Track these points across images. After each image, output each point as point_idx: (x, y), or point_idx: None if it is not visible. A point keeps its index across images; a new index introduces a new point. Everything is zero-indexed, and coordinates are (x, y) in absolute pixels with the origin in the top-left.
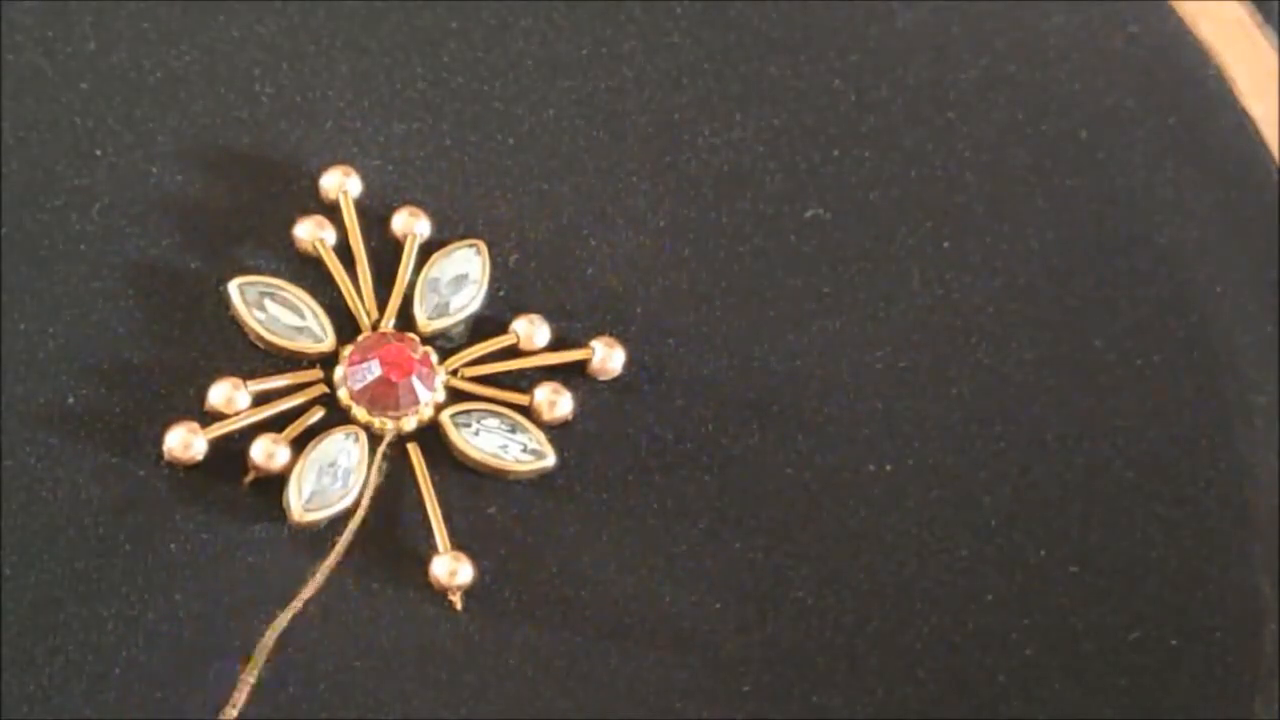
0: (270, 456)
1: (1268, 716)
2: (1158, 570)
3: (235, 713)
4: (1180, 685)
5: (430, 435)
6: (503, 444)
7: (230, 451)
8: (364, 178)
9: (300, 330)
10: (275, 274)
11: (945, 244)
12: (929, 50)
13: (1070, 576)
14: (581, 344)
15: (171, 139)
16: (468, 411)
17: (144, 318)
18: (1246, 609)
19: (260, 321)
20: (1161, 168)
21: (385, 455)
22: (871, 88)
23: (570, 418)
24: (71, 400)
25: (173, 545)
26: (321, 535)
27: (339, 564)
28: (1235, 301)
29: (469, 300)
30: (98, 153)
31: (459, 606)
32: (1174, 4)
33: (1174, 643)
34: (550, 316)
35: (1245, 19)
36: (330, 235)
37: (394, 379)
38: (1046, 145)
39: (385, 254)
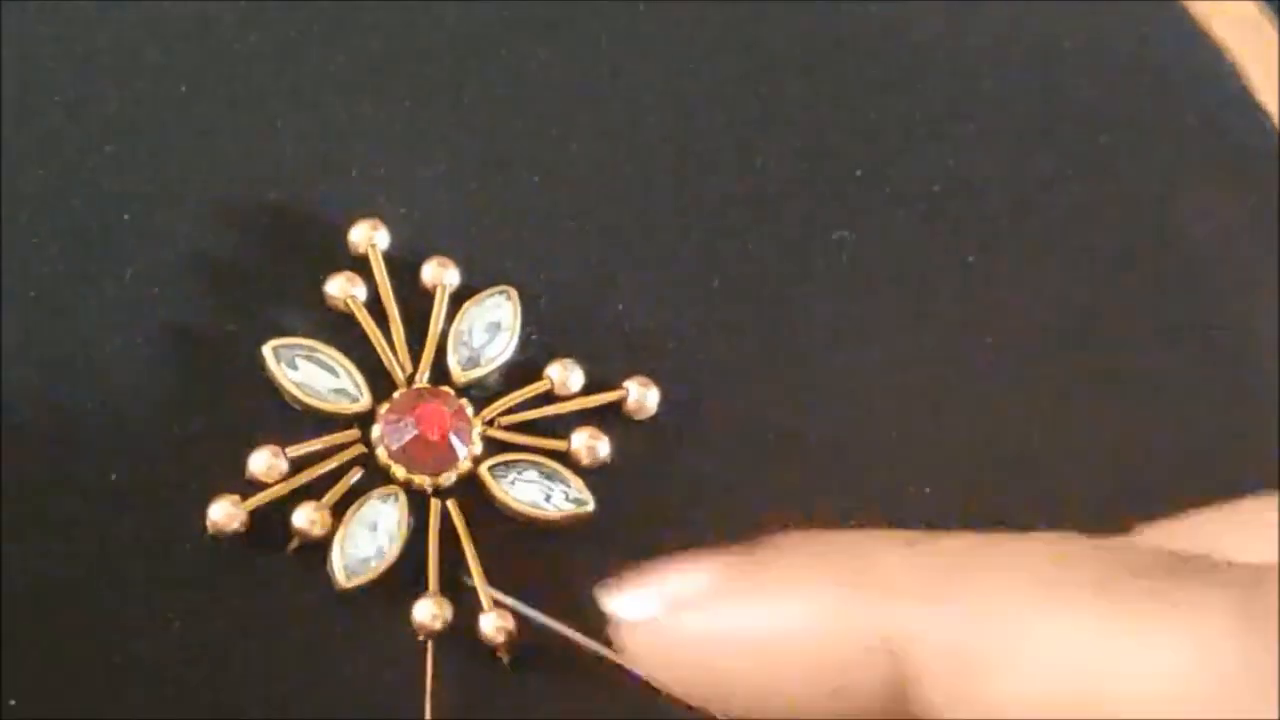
0: (313, 523)
1: None
2: None
3: None
4: None
5: (469, 487)
6: (542, 493)
7: (273, 519)
8: (391, 227)
9: (336, 391)
10: (308, 332)
11: (971, 258)
12: (946, 63)
13: None
14: (616, 384)
15: (198, 198)
16: (506, 463)
17: (181, 384)
18: None
19: (296, 384)
20: (1182, 169)
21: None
22: (891, 104)
23: (609, 461)
24: (114, 476)
25: (220, 620)
26: (369, 602)
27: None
28: (1264, 299)
29: (502, 348)
30: (126, 216)
31: (506, 661)
32: (1186, 4)
33: None
34: (583, 358)
35: (1257, 15)
36: (361, 291)
37: (431, 438)
38: (1067, 153)
39: (417, 305)
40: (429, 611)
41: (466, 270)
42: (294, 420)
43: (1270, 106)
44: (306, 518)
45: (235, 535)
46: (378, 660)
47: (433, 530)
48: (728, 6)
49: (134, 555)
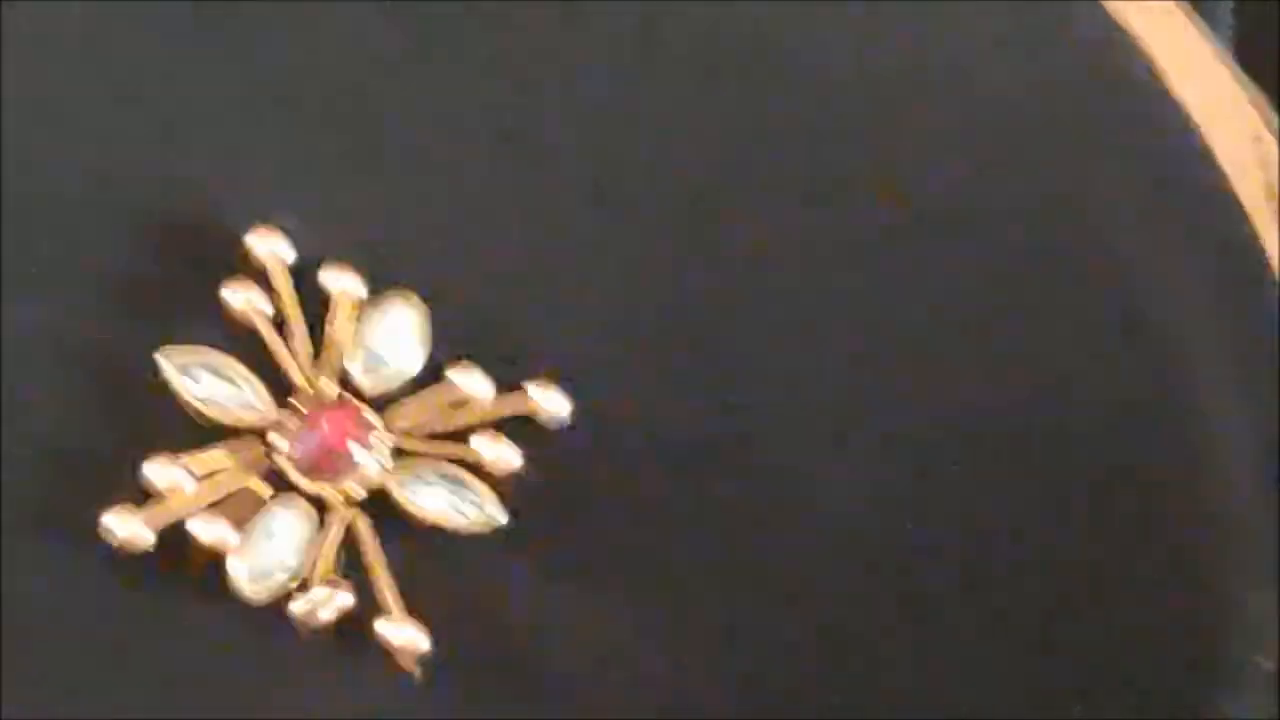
0: (215, 537)
1: (1232, 713)
2: (1116, 573)
3: None
4: (1140, 686)
5: (377, 499)
6: (452, 503)
7: (176, 534)
8: (295, 236)
9: (237, 402)
10: (209, 343)
11: (886, 259)
12: (859, 72)
13: (1028, 590)
14: (525, 392)
15: (96, 211)
16: (415, 472)
17: (78, 399)
18: (1204, 603)
19: (197, 396)
20: (1096, 164)
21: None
22: (805, 115)
23: (519, 470)
24: (9, 495)
25: (126, 639)
26: (277, 613)
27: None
28: (1177, 293)
29: (408, 357)
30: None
31: (417, 676)
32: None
33: (1135, 643)
34: (493, 367)
35: (1174, 9)
36: (262, 300)
37: (334, 445)
38: (984, 156)
39: (320, 315)
40: (312, 600)
41: (371, 278)
42: (196, 433)
43: (1187, 98)
44: (209, 531)
45: (140, 552)
46: (282, 674)
47: (333, 538)
48: (638, 17)
49: (35, 577)
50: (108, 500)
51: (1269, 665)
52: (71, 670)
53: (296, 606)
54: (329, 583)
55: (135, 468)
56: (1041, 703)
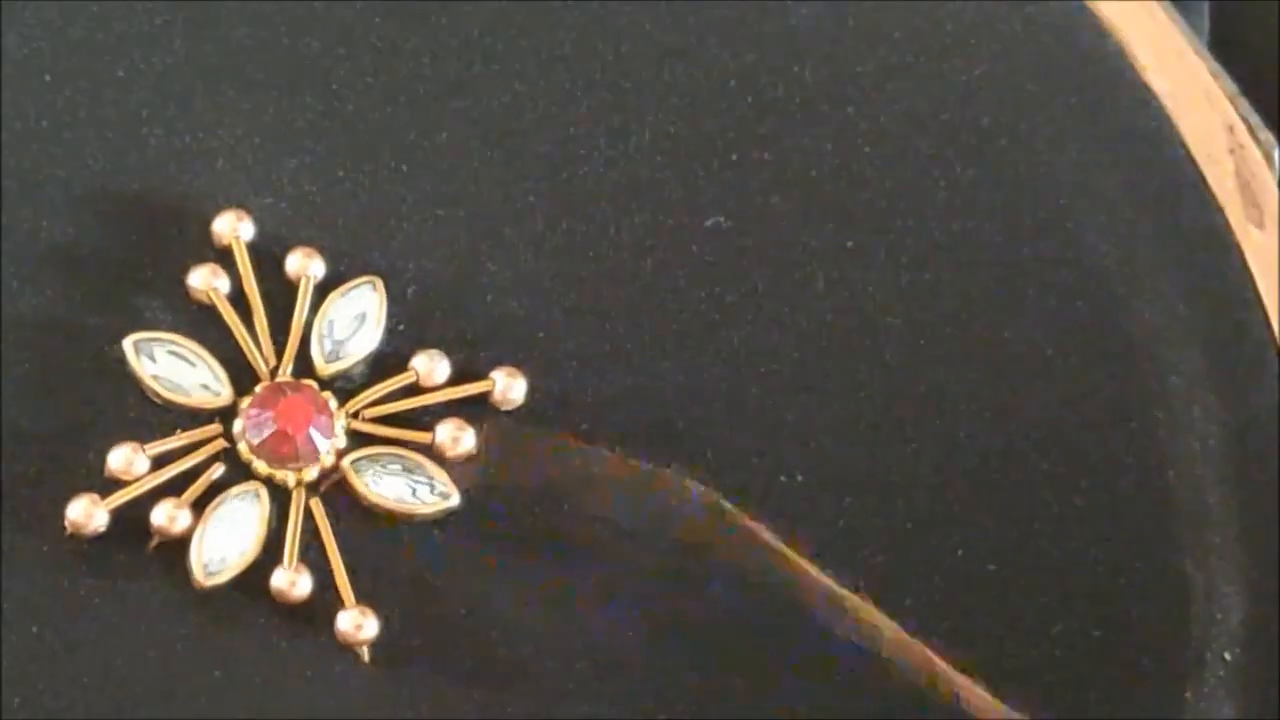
0: (172, 520)
1: (1197, 703)
2: (1078, 561)
3: None
4: (1107, 677)
5: (334, 482)
6: (407, 486)
7: (134, 516)
8: (258, 218)
9: (197, 385)
10: (171, 326)
11: (849, 243)
12: (824, 45)
13: (989, 575)
14: (483, 375)
15: (61, 190)
16: (370, 456)
17: (39, 379)
18: (1171, 594)
19: (156, 378)
20: (1066, 150)
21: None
22: (768, 88)
23: (474, 453)
24: None
25: (80, 622)
26: (232, 596)
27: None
28: (1146, 282)
29: (368, 340)
30: None
31: (367, 659)
32: None
33: (1098, 634)
34: (451, 348)
35: (1151, 4)
36: (224, 283)
37: (291, 431)
38: (948, 135)
39: (282, 297)
40: (286, 579)
41: (333, 261)
42: (156, 415)
43: (1155, 85)
44: (165, 515)
45: (95, 534)
46: (235, 657)
47: (293, 523)
48: (610, 10)
49: None
50: (66, 482)
51: (1237, 659)
52: (24, 657)
53: (276, 581)
54: (295, 569)
55: (97, 452)
56: (1014, 699)
